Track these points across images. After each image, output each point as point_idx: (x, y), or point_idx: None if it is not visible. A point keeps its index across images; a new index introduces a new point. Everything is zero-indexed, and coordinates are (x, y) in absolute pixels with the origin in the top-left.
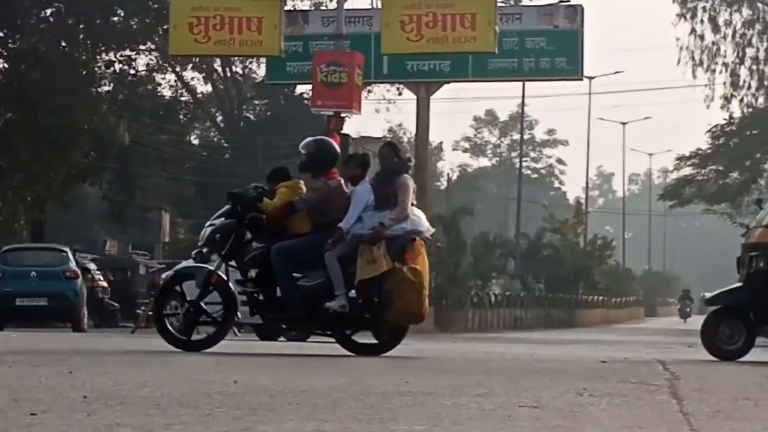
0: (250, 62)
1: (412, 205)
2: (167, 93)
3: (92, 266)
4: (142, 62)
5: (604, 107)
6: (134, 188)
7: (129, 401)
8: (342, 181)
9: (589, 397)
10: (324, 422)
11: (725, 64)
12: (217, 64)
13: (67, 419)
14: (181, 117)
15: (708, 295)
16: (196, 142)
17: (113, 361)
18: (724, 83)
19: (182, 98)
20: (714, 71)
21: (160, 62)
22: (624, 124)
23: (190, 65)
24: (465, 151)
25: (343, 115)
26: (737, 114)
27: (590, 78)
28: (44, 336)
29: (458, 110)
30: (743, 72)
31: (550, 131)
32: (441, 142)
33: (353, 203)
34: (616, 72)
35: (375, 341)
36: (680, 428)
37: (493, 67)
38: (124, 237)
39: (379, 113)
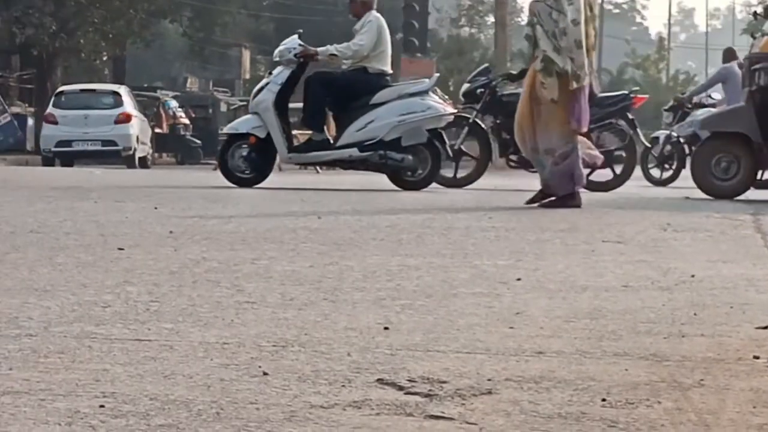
0: None
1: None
2: None
3: (174, 103)
4: None
5: None
6: (214, 25)
7: (214, 236)
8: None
9: (672, 232)
10: (408, 257)
11: None
12: None
13: (154, 254)
14: None
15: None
16: None
17: (197, 197)
18: None
19: None
20: None
21: None
22: None
23: None
24: None
25: None
26: None
27: None
28: (127, 173)
29: None
30: None
31: None
32: None
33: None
34: None
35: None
36: (764, 262)
37: None
38: (205, 74)
39: None
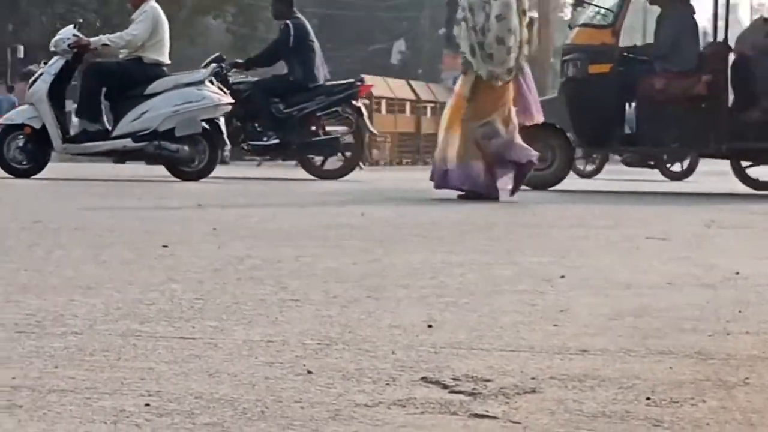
0: None
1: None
2: None
3: None
4: None
5: None
6: (257, 21)
7: (258, 233)
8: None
9: (716, 228)
10: (450, 254)
11: None
12: None
13: (197, 251)
14: None
15: None
16: None
17: (241, 194)
18: None
19: None
20: None
21: None
22: None
23: None
24: None
25: None
26: None
27: None
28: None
29: None
30: None
31: None
32: None
33: None
34: None
35: None
36: None
37: None
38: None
39: None
